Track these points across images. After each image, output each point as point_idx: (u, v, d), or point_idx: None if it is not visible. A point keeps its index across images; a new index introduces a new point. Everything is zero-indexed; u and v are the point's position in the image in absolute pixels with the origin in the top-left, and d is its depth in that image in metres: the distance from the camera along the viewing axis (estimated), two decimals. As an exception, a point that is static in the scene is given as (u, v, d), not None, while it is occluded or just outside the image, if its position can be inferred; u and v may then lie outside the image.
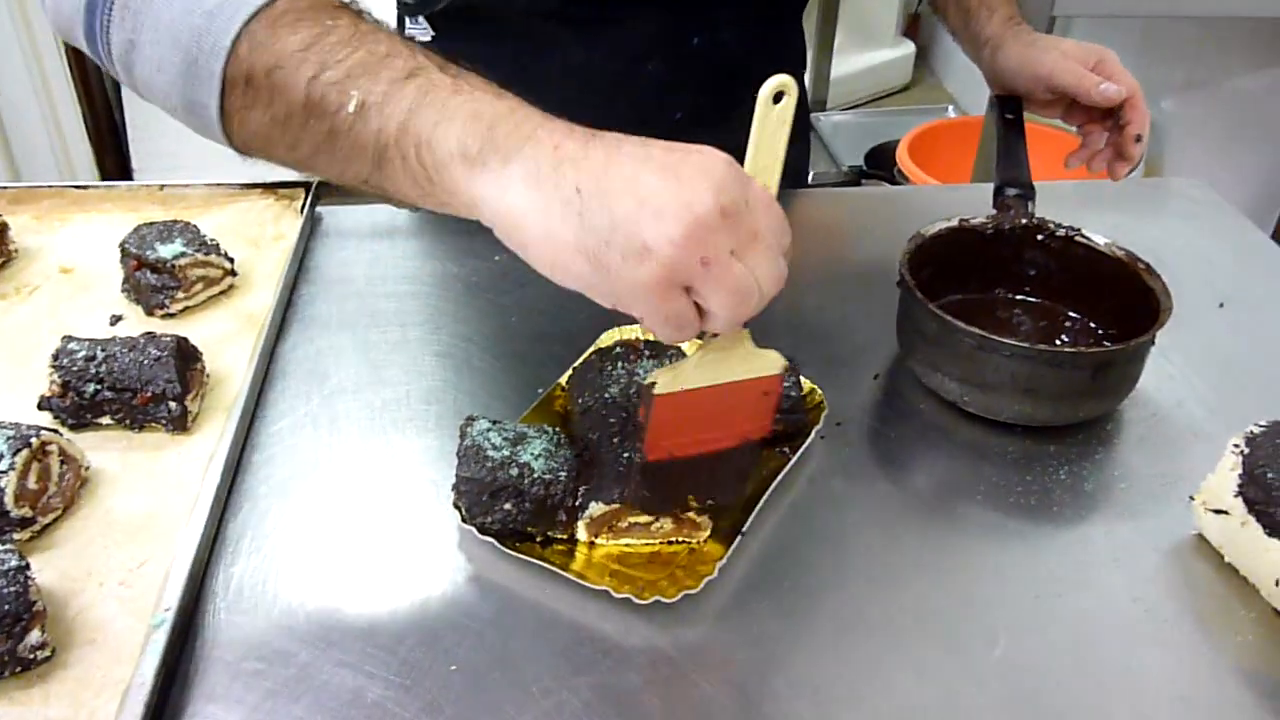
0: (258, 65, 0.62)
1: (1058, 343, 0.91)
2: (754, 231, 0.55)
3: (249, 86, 0.63)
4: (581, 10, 0.99)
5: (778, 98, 0.57)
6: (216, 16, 0.63)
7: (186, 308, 0.93)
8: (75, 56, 2.66)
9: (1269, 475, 0.70)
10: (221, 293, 0.96)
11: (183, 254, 0.91)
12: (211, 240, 0.94)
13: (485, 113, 0.58)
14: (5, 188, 1.08)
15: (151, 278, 0.91)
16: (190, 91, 0.64)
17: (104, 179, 2.76)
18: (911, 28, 3.81)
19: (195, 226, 0.96)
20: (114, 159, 2.88)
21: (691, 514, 0.71)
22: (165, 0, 0.65)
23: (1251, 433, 0.72)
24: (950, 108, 3.30)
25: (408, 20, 1.05)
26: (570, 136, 0.57)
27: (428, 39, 1.03)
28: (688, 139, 1.05)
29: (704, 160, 0.55)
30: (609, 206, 0.54)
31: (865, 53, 3.59)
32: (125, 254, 0.93)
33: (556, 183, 0.55)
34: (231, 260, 0.95)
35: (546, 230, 0.55)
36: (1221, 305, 1.00)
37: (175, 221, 0.96)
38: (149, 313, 0.92)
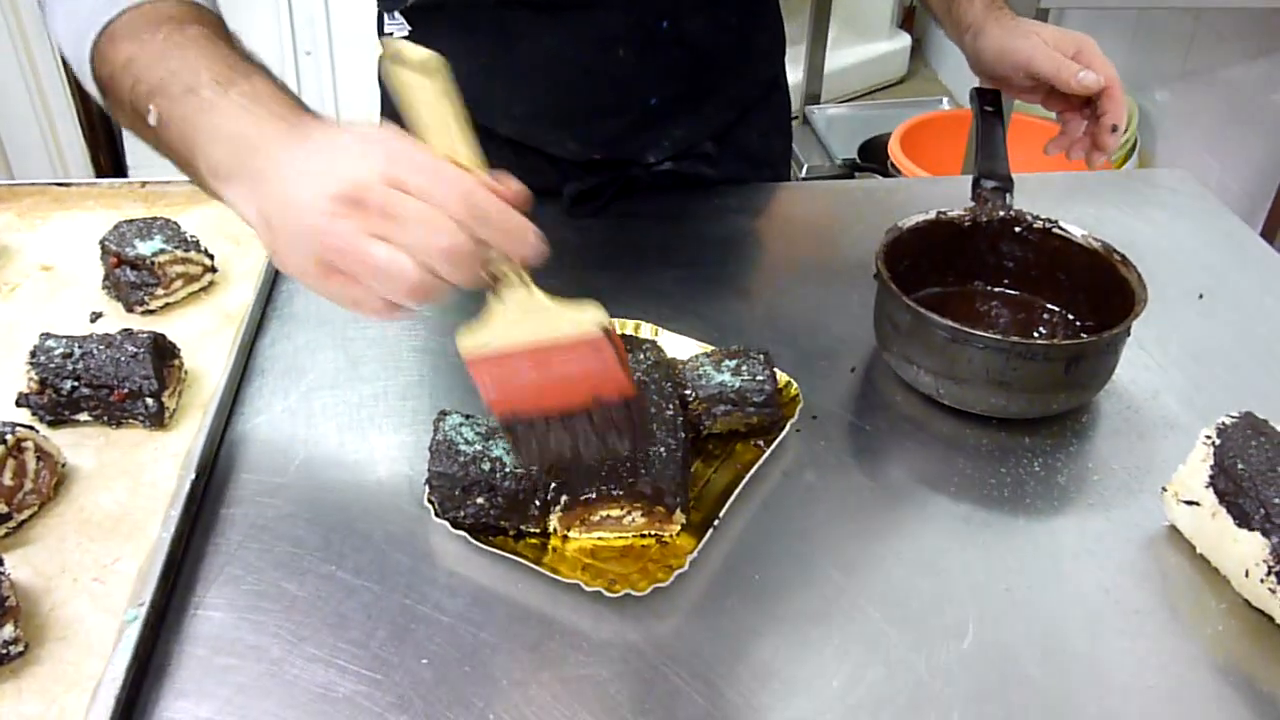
0: (102, 74, 0.71)
1: (1035, 335, 0.91)
2: (390, 213, 0.56)
3: (103, 90, 0.72)
4: None
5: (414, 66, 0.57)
6: (82, 39, 0.72)
7: (166, 304, 0.93)
8: (68, 53, 2.66)
9: (1239, 466, 0.70)
10: (202, 289, 0.96)
11: (162, 251, 0.91)
12: (192, 237, 0.95)
13: (228, 133, 0.63)
14: (-12, 185, 1.09)
15: (131, 274, 0.91)
16: (89, 87, 0.75)
17: (99, 175, 2.77)
18: (907, 20, 3.80)
19: (176, 223, 0.96)
20: (108, 155, 2.88)
21: (663, 507, 0.71)
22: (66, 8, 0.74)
23: (1223, 424, 0.73)
24: (945, 100, 3.29)
25: (386, 16, 1.05)
26: (276, 150, 0.61)
27: (405, 34, 1.03)
28: (663, 125, 1.04)
29: (349, 156, 0.58)
30: (285, 211, 0.59)
31: (860, 45, 3.58)
32: (105, 250, 0.93)
33: (256, 201, 0.61)
34: (211, 257, 0.96)
35: (266, 246, 0.62)
36: (1201, 297, 1.01)
37: (156, 218, 0.96)
38: (129, 309, 0.93)
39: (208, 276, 0.96)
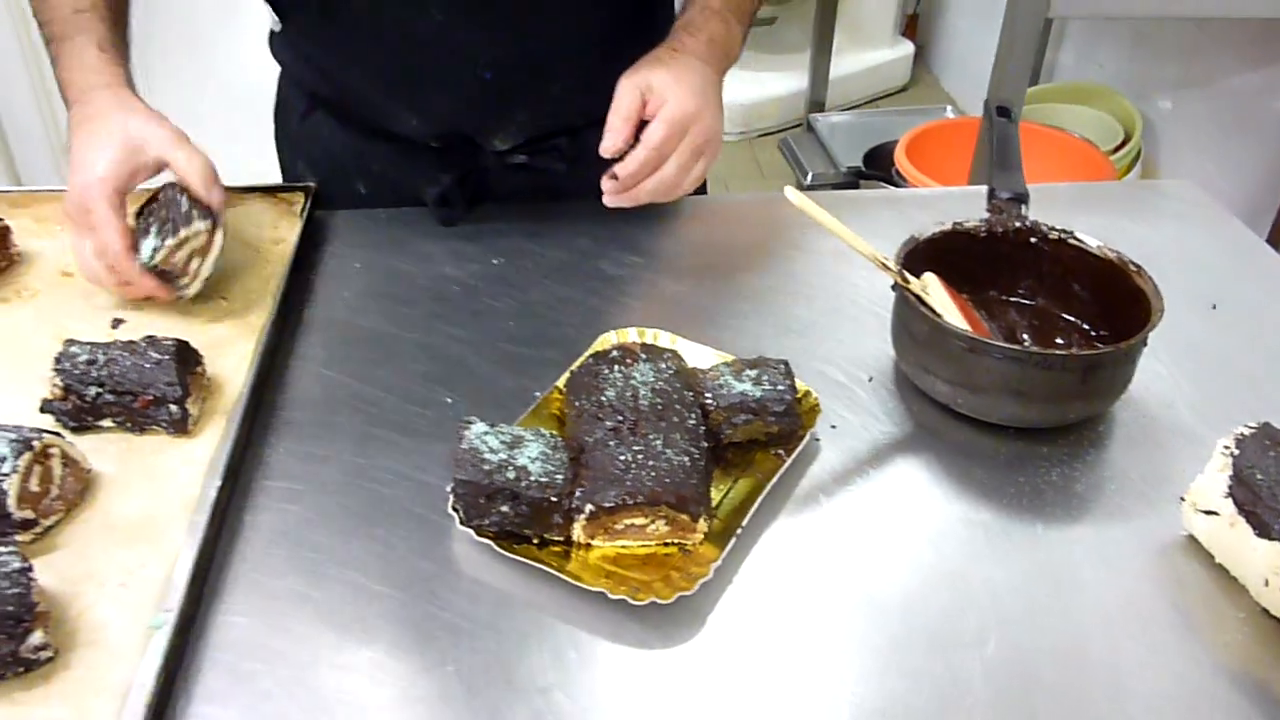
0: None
1: (1051, 345, 0.92)
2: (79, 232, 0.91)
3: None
4: None
5: None
6: None
7: (207, 277, 0.94)
8: (75, 59, 2.67)
9: (1258, 476, 0.70)
10: (220, 254, 0.95)
11: (156, 249, 0.90)
12: (185, 211, 0.92)
13: (73, 84, 0.94)
14: (5, 192, 1.09)
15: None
16: None
17: (104, 181, 2.77)
18: (909, 28, 3.82)
19: (163, 203, 0.93)
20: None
21: (686, 516, 0.72)
22: None
23: (1241, 434, 0.73)
24: (949, 108, 3.31)
25: (271, 16, 1.09)
26: (80, 114, 0.92)
27: (280, 29, 1.10)
28: (504, 105, 1.05)
29: (78, 173, 0.90)
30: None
31: (863, 53, 3.60)
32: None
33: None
34: (209, 214, 0.93)
35: None
36: (1214, 307, 1.01)
37: (141, 210, 0.94)
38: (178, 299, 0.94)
39: (219, 233, 0.94)
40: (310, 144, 1.17)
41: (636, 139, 0.92)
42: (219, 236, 0.94)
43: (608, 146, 0.92)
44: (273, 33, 1.11)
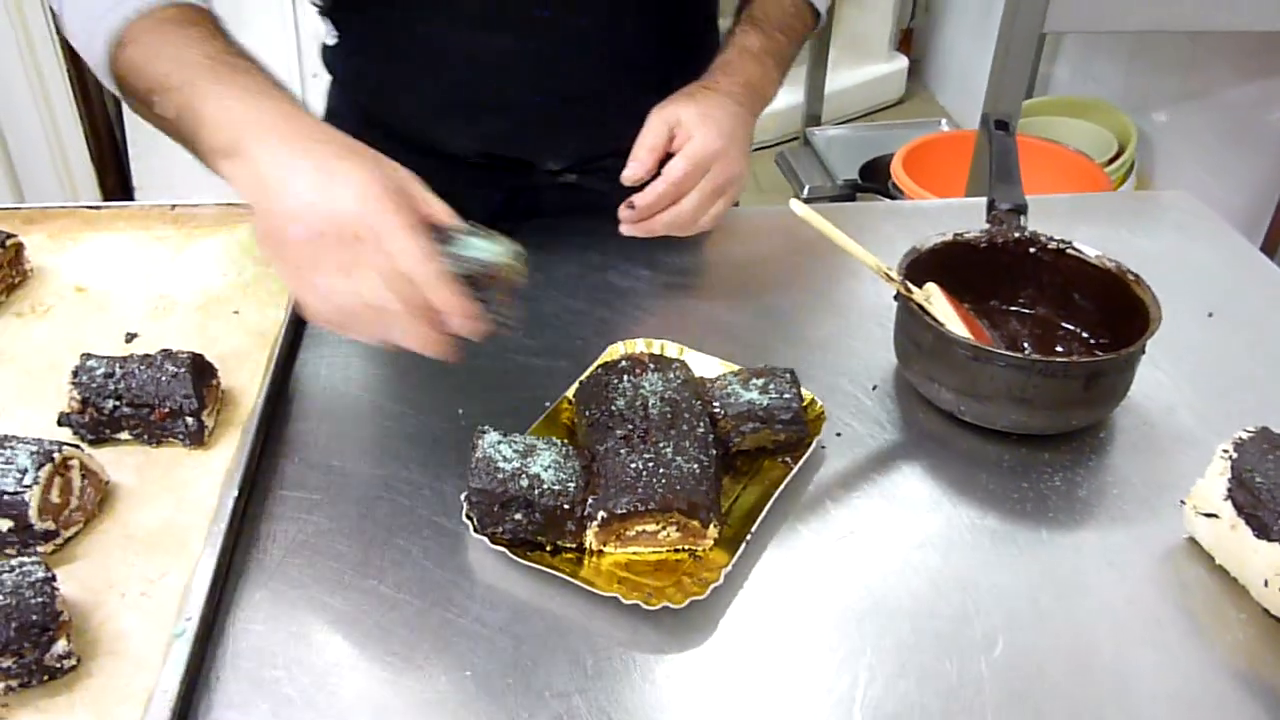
0: (118, 75, 0.82)
1: (1053, 353, 0.93)
2: (356, 257, 0.67)
3: (123, 89, 0.82)
4: None
5: None
6: (93, 38, 0.81)
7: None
8: (78, 77, 2.68)
9: (1257, 479, 0.72)
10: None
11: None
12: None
13: (226, 119, 0.72)
14: (18, 208, 1.11)
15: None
16: (107, 82, 0.84)
17: (106, 198, 2.79)
18: (904, 43, 3.85)
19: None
20: (115, 178, 2.90)
21: (697, 522, 0.73)
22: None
23: (1240, 438, 0.75)
24: (944, 121, 3.33)
25: (327, 29, 1.10)
26: (273, 138, 0.70)
27: (335, 42, 1.10)
28: (557, 129, 1.05)
29: (346, 188, 0.67)
30: (276, 201, 0.68)
31: (859, 68, 3.63)
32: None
33: (251, 174, 0.70)
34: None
35: (253, 210, 0.71)
36: (1211, 315, 1.03)
37: None
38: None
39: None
40: None
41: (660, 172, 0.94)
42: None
43: (628, 175, 0.93)
44: (326, 45, 1.13)
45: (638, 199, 0.94)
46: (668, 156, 0.94)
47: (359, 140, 1.03)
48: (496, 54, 1.02)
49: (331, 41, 1.11)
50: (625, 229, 0.96)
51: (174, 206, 1.10)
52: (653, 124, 0.94)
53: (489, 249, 0.71)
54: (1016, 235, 0.95)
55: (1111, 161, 2.49)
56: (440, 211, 0.71)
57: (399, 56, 1.06)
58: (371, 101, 1.14)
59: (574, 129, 1.09)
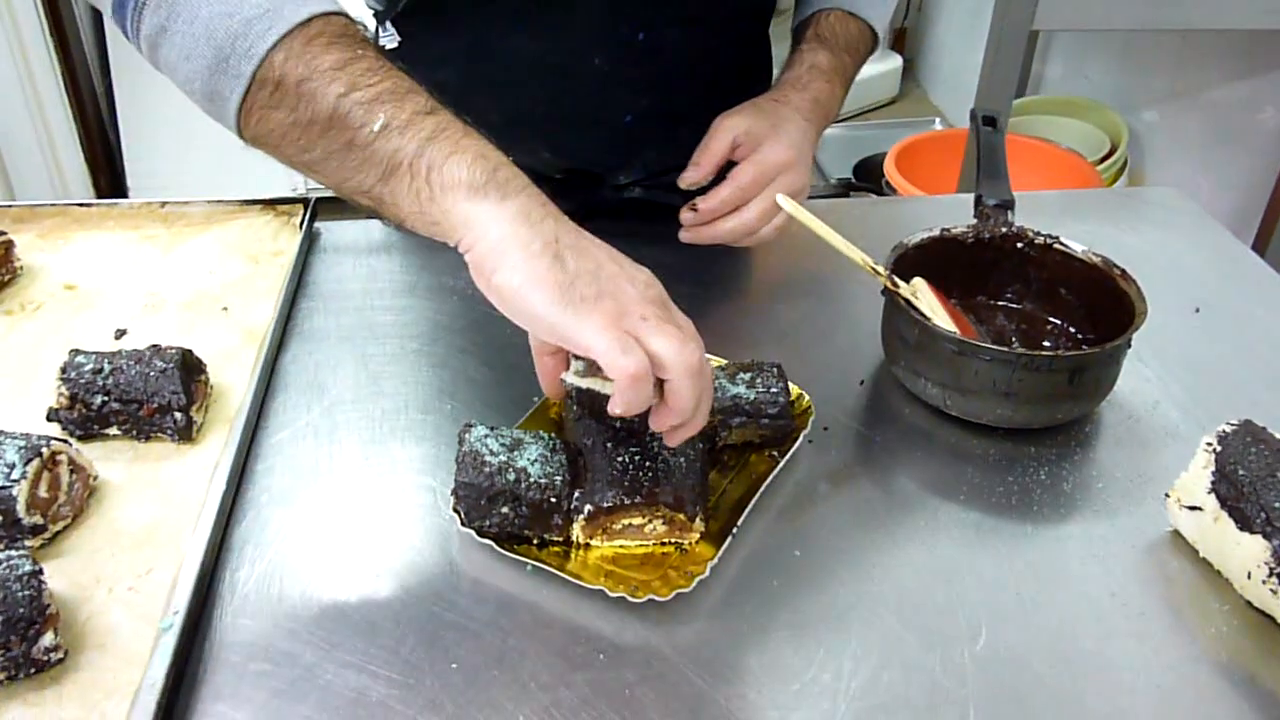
0: (290, 74, 0.68)
1: (1038, 348, 0.93)
2: (677, 324, 0.68)
3: (278, 90, 0.69)
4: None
5: None
6: (254, 24, 0.69)
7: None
8: (69, 77, 2.68)
9: (1240, 472, 0.72)
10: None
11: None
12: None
13: (491, 157, 0.69)
14: (8, 206, 1.11)
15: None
16: (215, 83, 0.70)
17: (99, 197, 2.79)
18: (898, 42, 3.86)
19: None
20: (108, 177, 2.90)
21: (683, 515, 0.73)
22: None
23: (1223, 431, 0.75)
24: (937, 120, 3.34)
25: (380, 30, 1.08)
26: (552, 203, 0.70)
27: (394, 45, 1.07)
28: (637, 146, 1.03)
29: (639, 269, 0.70)
30: (581, 256, 0.67)
31: (852, 66, 3.62)
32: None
33: (542, 228, 0.67)
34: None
35: (525, 261, 0.66)
36: (1197, 310, 1.03)
37: None
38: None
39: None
40: None
41: (720, 180, 0.94)
42: None
43: (687, 178, 0.94)
44: (384, 49, 1.07)
45: (701, 201, 0.94)
46: (728, 166, 0.94)
47: None
48: (588, 74, 1.03)
49: (390, 45, 1.08)
50: (686, 234, 0.96)
51: (164, 204, 1.10)
52: (719, 131, 0.95)
53: None
54: (1003, 230, 0.95)
55: (1103, 160, 2.50)
56: None
57: (479, 68, 1.05)
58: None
59: (649, 145, 1.10)
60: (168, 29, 0.71)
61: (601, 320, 0.65)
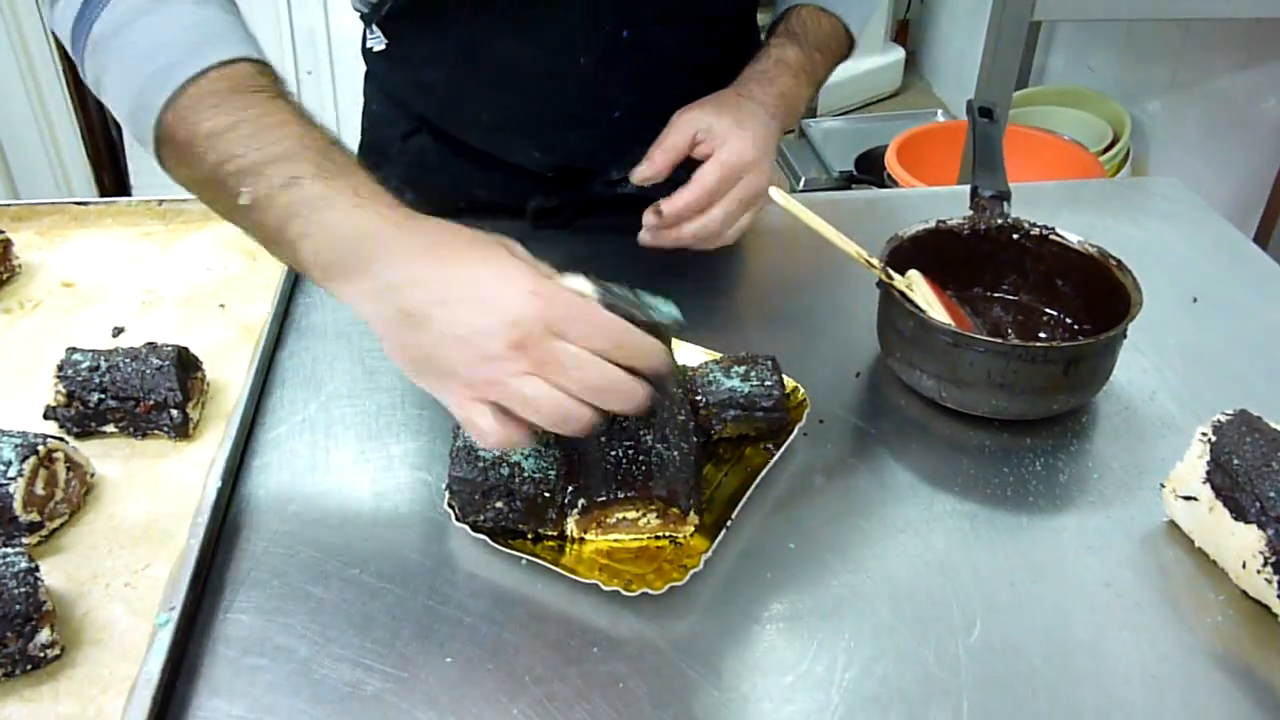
0: (179, 135, 0.71)
1: (1035, 339, 0.93)
2: (552, 356, 0.62)
3: (173, 147, 0.72)
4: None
5: None
6: (153, 80, 0.71)
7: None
8: (72, 74, 2.69)
9: (1235, 462, 0.72)
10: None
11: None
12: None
13: (340, 232, 0.66)
14: (7, 205, 1.11)
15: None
16: (137, 131, 0.74)
17: (102, 195, 2.79)
18: (900, 34, 3.85)
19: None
20: (112, 175, 2.91)
21: (677, 509, 0.73)
22: (122, 46, 0.73)
23: (1219, 421, 0.75)
24: (940, 112, 3.33)
25: (367, 32, 1.08)
26: (404, 259, 0.65)
27: (382, 47, 1.08)
28: (627, 141, 1.02)
29: (507, 293, 0.63)
30: (425, 331, 0.64)
31: (854, 59, 3.61)
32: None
33: (387, 304, 0.65)
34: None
35: (385, 337, 0.66)
36: (1195, 300, 1.03)
37: None
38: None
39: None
40: (409, 163, 1.14)
41: (682, 180, 0.90)
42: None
43: (640, 172, 0.91)
44: (372, 50, 1.10)
45: (665, 204, 0.90)
46: (691, 163, 0.91)
47: (405, 145, 1.03)
48: (578, 73, 1.02)
49: (379, 47, 1.08)
50: (647, 236, 0.92)
51: (161, 202, 1.10)
52: (678, 127, 0.91)
53: (661, 308, 0.71)
54: (999, 222, 0.95)
55: (1106, 151, 2.49)
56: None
57: (468, 70, 1.04)
58: (428, 111, 1.11)
59: (639, 142, 1.04)
60: (100, 78, 0.76)
61: (455, 398, 0.65)
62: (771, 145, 0.94)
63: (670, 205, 0.90)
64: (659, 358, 0.66)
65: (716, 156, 0.89)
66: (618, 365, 0.64)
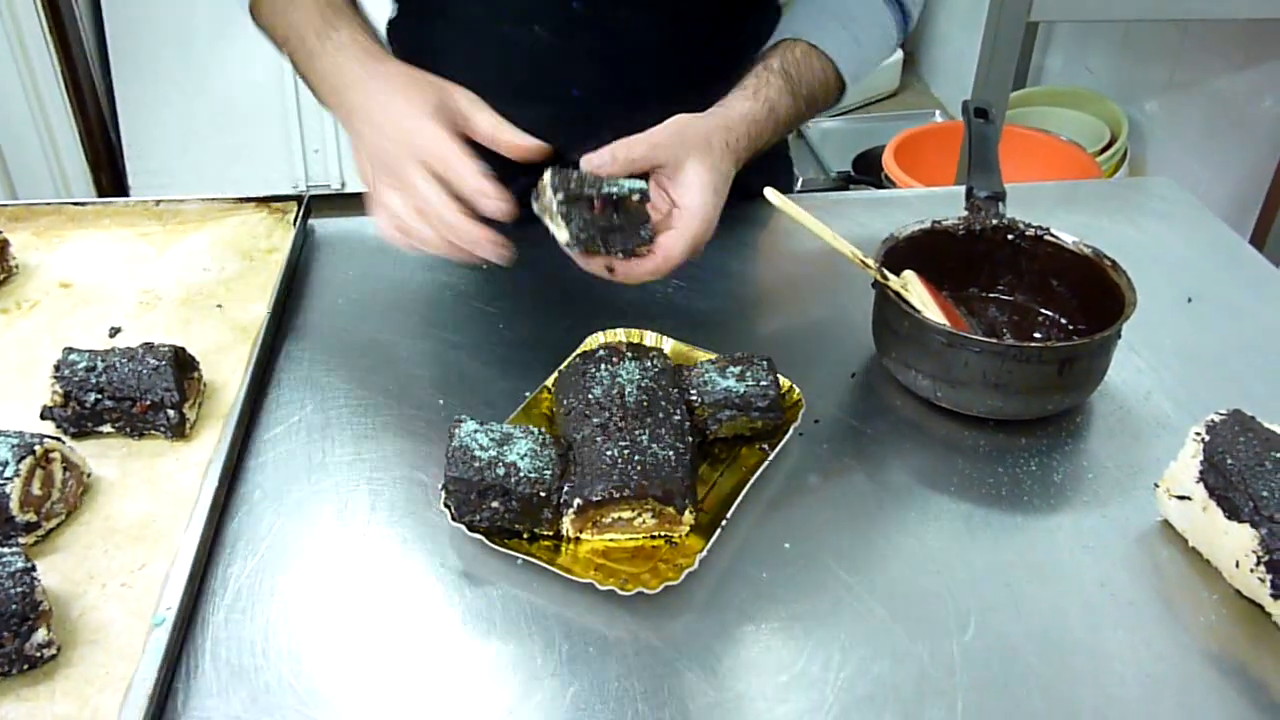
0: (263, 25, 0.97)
1: (1030, 339, 0.94)
2: (408, 181, 0.80)
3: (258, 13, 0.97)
4: None
5: None
6: None
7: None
8: (70, 75, 2.69)
9: (1228, 461, 0.72)
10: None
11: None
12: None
13: (325, 74, 0.89)
14: (4, 205, 1.11)
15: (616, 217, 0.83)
16: None
17: (100, 196, 2.79)
18: (898, 34, 3.84)
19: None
20: (110, 176, 2.91)
21: (672, 509, 0.73)
22: None
23: (1212, 421, 0.75)
24: (938, 112, 3.33)
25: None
26: (358, 94, 0.86)
27: (393, 15, 1.14)
28: (591, 124, 0.96)
29: (396, 127, 0.82)
30: (361, 143, 0.86)
31: (852, 58, 3.61)
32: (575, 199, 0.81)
33: (348, 124, 0.88)
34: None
35: (353, 145, 0.88)
36: (1190, 301, 1.03)
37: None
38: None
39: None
40: None
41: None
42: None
43: (592, 159, 0.85)
44: (391, 20, 1.15)
45: (621, 268, 0.84)
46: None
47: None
48: (530, 46, 1.03)
49: (392, 14, 1.15)
50: (586, 263, 0.86)
51: (158, 203, 1.10)
52: (648, 146, 0.84)
53: (624, 184, 0.81)
54: (994, 222, 0.95)
55: (1104, 151, 2.49)
56: (485, 124, 0.84)
57: (441, 40, 1.08)
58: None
59: (605, 125, 0.98)
60: None
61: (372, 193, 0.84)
62: (723, 193, 0.87)
63: (628, 272, 0.85)
64: (492, 203, 0.79)
65: (685, 228, 0.83)
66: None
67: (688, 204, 0.84)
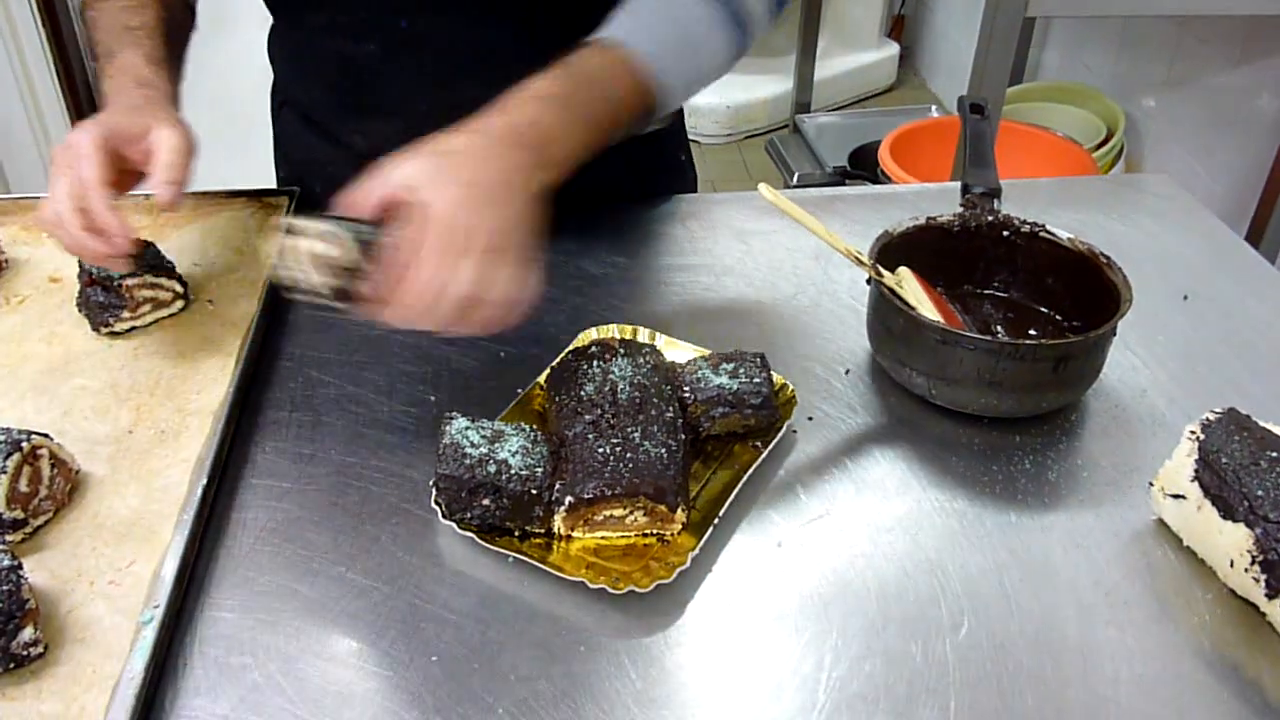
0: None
1: (1024, 336, 0.93)
2: (53, 180, 0.85)
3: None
4: None
5: None
6: None
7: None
8: (64, 69, 2.68)
9: (1223, 460, 0.72)
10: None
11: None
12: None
13: (104, 92, 0.92)
14: (-6, 200, 1.10)
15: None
16: None
17: (94, 190, 2.78)
18: (895, 30, 3.85)
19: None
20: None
21: (664, 506, 0.73)
22: None
23: (1207, 419, 0.75)
24: (934, 108, 3.33)
25: None
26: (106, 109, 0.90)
27: (271, 24, 1.14)
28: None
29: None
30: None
31: (849, 55, 3.63)
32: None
33: None
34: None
35: None
36: (1186, 298, 1.03)
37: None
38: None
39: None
40: (282, 139, 1.22)
41: None
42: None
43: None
44: (271, 28, 1.14)
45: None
46: None
47: (278, 122, 1.14)
48: (364, 61, 1.04)
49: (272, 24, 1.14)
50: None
51: (148, 197, 1.10)
52: (379, 184, 0.75)
53: (334, 228, 0.73)
54: (989, 219, 0.95)
55: (1100, 147, 2.49)
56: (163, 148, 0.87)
57: (301, 53, 1.10)
58: (286, 87, 1.18)
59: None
60: None
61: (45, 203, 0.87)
62: (512, 179, 0.77)
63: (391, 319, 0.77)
64: (113, 235, 0.83)
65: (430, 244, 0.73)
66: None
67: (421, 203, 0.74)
